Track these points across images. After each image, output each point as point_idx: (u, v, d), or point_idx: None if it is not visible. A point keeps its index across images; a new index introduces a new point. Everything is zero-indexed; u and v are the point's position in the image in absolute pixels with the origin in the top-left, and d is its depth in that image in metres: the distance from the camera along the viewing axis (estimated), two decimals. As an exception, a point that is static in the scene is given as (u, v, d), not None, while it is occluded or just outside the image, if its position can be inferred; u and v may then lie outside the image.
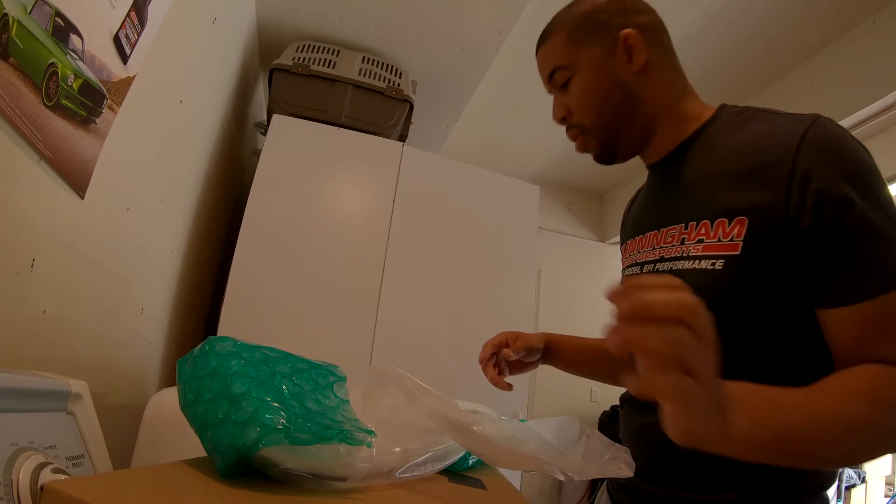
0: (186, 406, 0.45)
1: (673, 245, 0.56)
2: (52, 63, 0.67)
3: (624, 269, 0.69)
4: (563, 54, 0.62)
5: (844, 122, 1.89)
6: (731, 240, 0.50)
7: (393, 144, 1.66)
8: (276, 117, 1.58)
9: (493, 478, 0.60)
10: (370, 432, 0.47)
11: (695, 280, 0.51)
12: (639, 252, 0.63)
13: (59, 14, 0.67)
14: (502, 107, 2.54)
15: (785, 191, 0.47)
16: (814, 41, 1.98)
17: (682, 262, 0.54)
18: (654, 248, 0.60)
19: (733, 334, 0.41)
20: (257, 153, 1.55)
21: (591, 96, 0.61)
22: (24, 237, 0.68)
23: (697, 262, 0.52)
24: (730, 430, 0.35)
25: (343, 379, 0.56)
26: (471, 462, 0.61)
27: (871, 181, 0.47)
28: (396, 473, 0.47)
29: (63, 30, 0.69)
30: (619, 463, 0.52)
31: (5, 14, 0.58)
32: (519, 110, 2.58)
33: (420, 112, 2.06)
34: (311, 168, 1.55)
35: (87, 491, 0.32)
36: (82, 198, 0.80)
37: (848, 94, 1.87)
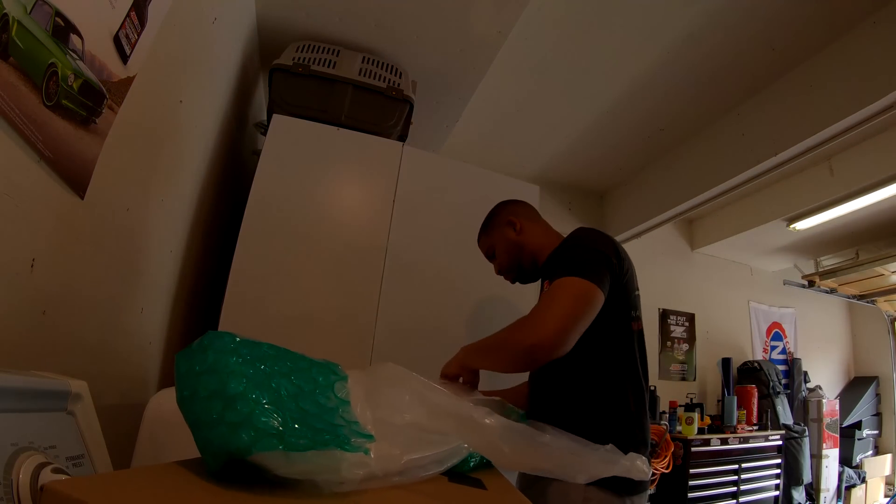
0: (182, 402, 0.44)
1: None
2: (52, 63, 0.67)
3: None
4: (488, 243, 1.23)
5: (844, 122, 1.90)
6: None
7: (393, 144, 1.66)
8: (276, 117, 1.58)
9: (493, 478, 0.60)
10: (369, 437, 0.46)
11: None
12: None
13: (59, 14, 0.67)
14: (502, 107, 2.54)
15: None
16: (814, 41, 1.98)
17: None
18: None
19: None
20: (257, 153, 1.54)
21: (505, 254, 1.18)
22: (24, 237, 0.68)
23: None
24: (467, 352, 0.96)
25: (344, 378, 0.55)
26: (472, 464, 0.61)
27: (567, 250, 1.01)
28: (397, 476, 0.47)
29: (63, 30, 0.69)
30: (638, 464, 0.52)
31: (5, 14, 0.58)
32: (519, 110, 2.58)
33: (420, 112, 2.06)
34: (311, 168, 1.55)
35: (87, 491, 0.32)
36: (82, 198, 0.80)
37: (848, 94, 1.87)
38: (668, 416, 3.14)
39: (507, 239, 1.17)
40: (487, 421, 0.50)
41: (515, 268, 1.18)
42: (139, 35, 0.89)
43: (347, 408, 0.50)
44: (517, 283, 1.25)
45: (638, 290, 1.04)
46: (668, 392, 3.39)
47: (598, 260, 0.93)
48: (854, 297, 4.41)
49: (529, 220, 1.19)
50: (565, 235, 1.14)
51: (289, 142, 1.55)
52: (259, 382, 0.43)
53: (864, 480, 4.05)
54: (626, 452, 0.90)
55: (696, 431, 3.02)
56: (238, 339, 0.47)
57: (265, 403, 0.41)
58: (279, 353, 0.50)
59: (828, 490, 3.73)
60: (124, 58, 0.86)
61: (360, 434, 0.46)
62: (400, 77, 1.81)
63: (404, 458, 0.48)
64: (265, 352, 0.49)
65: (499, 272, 1.23)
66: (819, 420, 3.85)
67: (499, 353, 0.91)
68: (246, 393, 0.41)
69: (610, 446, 0.60)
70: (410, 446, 0.50)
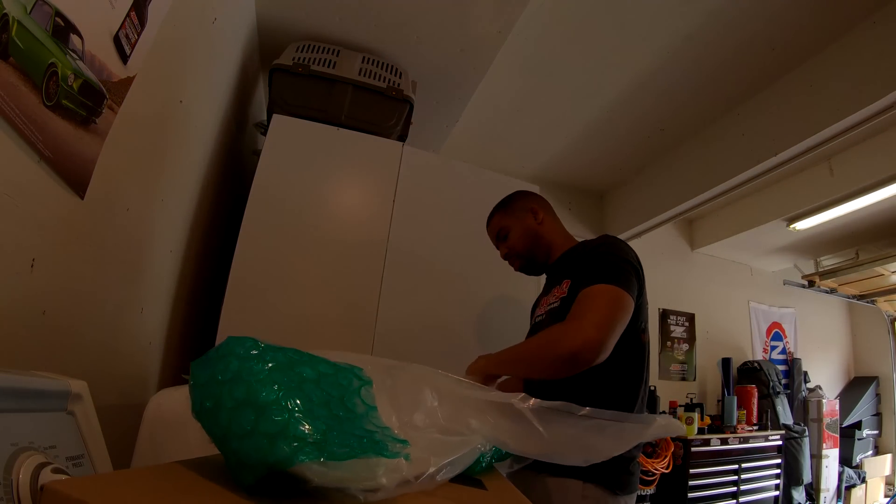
0: (204, 413, 0.41)
1: (549, 303, 1.08)
2: (52, 63, 0.67)
3: (533, 320, 1.19)
4: (503, 223, 1.21)
5: (844, 122, 1.89)
6: (562, 290, 1.03)
7: (393, 144, 1.66)
8: (276, 117, 1.58)
9: (493, 478, 0.60)
10: (404, 442, 0.44)
11: (551, 313, 1.05)
12: (536, 313, 1.17)
13: (59, 14, 0.67)
14: (502, 106, 2.54)
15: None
16: (814, 41, 1.97)
17: (547, 307, 1.08)
18: (543, 307, 1.11)
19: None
20: (257, 153, 1.55)
21: (521, 238, 1.18)
22: (24, 237, 0.68)
23: (551, 305, 1.06)
24: (489, 360, 0.94)
25: (369, 383, 0.53)
26: (483, 464, 0.60)
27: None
28: (426, 481, 0.45)
29: (63, 30, 0.69)
30: (672, 420, 0.53)
31: (5, 14, 0.58)
32: (519, 110, 2.58)
33: (420, 112, 2.06)
34: (311, 168, 1.55)
35: (87, 491, 0.32)
36: (82, 198, 0.80)
37: (848, 94, 1.87)
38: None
39: (527, 225, 1.18)
40: (526, 404, 0.51)
41: (527, 256, 1.19)
42: (139, 35, 0.89)
43: (376, 413, 0.49)
44: (512, 282, 1.26)
45: (647, 302, 1.05)
46: (668, 392, 3.40)
47: (629, 271, 0.95)
48: (854, 297, 4.41)
49: (549, 215, 1.21)
50: (576, 238, 1.19)
51: (289, 142, 1.55)
52: (291, 389, 0.41)
53: (864, 480, 4.05)
54: (624, 456, 0.91)
55: (696, 431, 3.02)
56: (261, 344, 0.44)
57: (300, 411, 0.39)
58: (303, 358, 0.48)
59: (828, 490, 3.73)
60: (124, 58, 0.86)
61: (396, 439, 0.44)
62: (400, 77, 1.81)
63: (433, 462, 0.46)
64: (291, 357, 0.46)
65: (506, 256, 1.22)
66: (819, 420, 3.85)
67: (535, 360, 0.89)
68: (280, 401, 0.39)
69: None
70: (437, 450, 0.48)
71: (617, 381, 0.97)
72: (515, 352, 0.93)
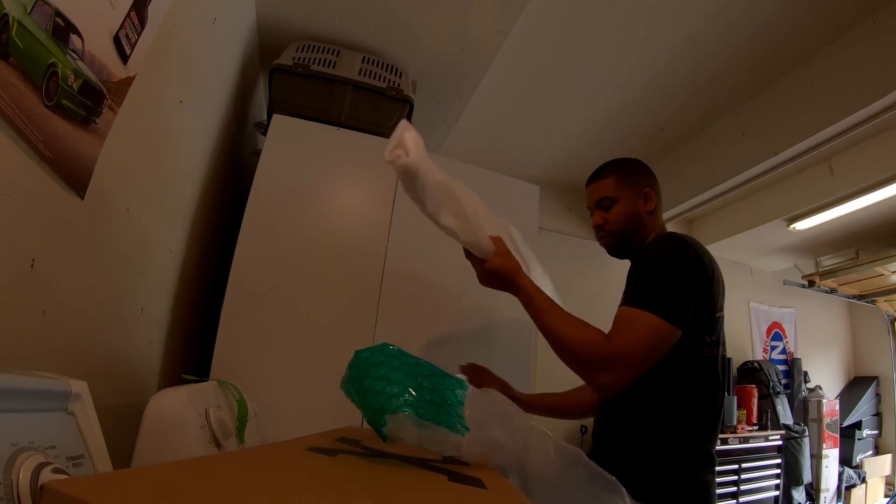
0: (350, 380, 0.68)
1: None
2: (52, 63, 0.67)
3: None
4: (612, 191, 1.11)
5: (844, 122, 1.90)
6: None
7: (393, 144, 1.66)
8: (276, 117, 1.58)
9: (493, 477, 0.60)
10: (466, 429, 0.66)
11: None
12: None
13: (59, 14, 0.67)
14: (502, 107, 2.54)
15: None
16: (814, 41, 1.98)
17: None
18: None
19: None
20: (257, 153, 1.55)
21: (624, 218, 1.09)
22: (24, 237, 0.68)
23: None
24: (519, 280, 1.02)
25: (465, 388, 0.74)
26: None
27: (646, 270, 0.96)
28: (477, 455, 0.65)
29: (63, 30, 0.69)
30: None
31: (5, 14, 0.58)
32: (519, 110, 2.58)
33: (420, 112, 2.06)
34: (311, 168, 1.55)
35: (87, 491, 0.32)
36: (82, 198, 0.80)
37: (848, 94, 1.87)
38: (668, 416, 3.14)
39: (636, 207, 1.09)
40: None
41: (619, 239, 1.11)
42: (139, 35, 0.89)
43: (461, 408, 0.70)
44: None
45: (721, 311, 0.97)
46: (668, 392, 3.39)
47: (676, 292, 0.88)
48: (854, 297, 4.41)
49: (659, 205, 1.13)
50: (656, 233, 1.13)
51: (289, 142, 1.55)
52: (408, 374, 0.68)
53: (864, 480, 4.05)
54: (684, 478, 0.91)
55: (696, 431, 3.01)
56: (394, 347, 0.73)
57: (408, 387, 0.65)
58: (419, 361, 0.74)
59: (828, 490, 3.73)
60: (124, 58, 0.86)
61: (463, 426, 0.65)
62: (400, 77, 1.81)
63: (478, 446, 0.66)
64: (410, 358, 0.73)
65: (598, 227, 1.14)
66: (819, 420, 3.85)
67: (561, 346, 0.92)
68: (401, 380, 0.66)
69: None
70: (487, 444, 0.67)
71: (676, 398, 0.93)
72: (553, 326, 0.93)
